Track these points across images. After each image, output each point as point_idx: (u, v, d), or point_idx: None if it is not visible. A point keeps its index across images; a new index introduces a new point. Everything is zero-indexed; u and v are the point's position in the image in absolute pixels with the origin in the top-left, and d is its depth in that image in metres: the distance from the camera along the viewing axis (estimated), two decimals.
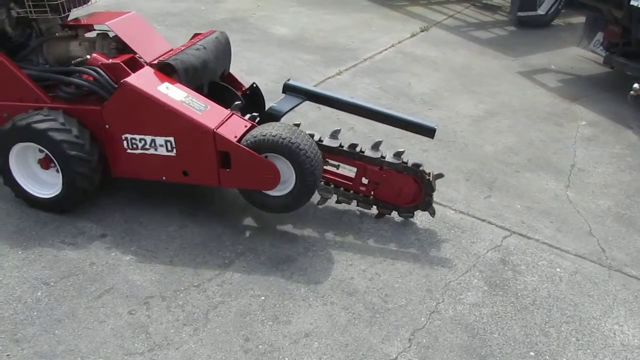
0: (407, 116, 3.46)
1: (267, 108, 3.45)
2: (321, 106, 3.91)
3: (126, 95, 3.00)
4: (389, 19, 7.77)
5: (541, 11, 7.37)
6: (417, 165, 3.32)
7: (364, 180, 3.43)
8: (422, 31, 7.31)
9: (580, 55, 6.89)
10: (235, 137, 3.02)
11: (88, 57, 3.16)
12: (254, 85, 3.67)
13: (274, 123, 3.12)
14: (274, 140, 2.94)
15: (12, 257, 2.95)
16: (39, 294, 2.74)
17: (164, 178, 3.17)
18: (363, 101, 3.58)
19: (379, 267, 3.13)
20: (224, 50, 3.62)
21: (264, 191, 3.10)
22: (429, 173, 3.37)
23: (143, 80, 3.04)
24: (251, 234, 3.24)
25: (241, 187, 3.13)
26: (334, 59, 6.08)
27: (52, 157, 3.07)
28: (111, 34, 3.38)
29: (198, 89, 3.25)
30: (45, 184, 3.23)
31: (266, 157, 2.99)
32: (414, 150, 4.36)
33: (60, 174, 3.09)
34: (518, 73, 6.31)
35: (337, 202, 3.51)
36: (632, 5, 5.22)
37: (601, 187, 4.24)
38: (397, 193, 3.40)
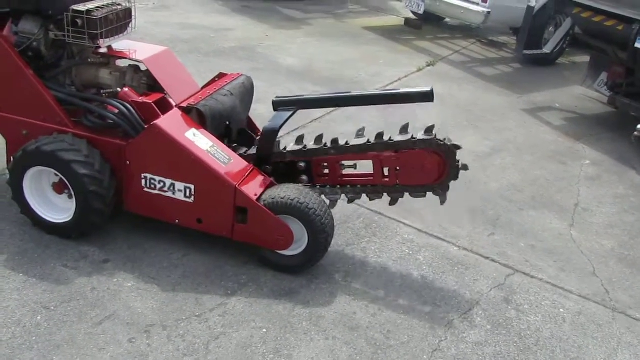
0: (401, 90, 3.41)
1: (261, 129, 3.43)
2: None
3: (154, 137, 3.01)
4: (396, 53, 7.85)
5: (547, 50, 7.47)
6: (429, 133, 3.15)
7: (385, 172, 3.31)
8: (429, 66, 7.39)
9: (584, 95, 6.96)
10: (256, 195, 3.05)
11: (119, 90, 3.17)
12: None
13: (284, 185, 3.15)
14: (283, 202, 3.00)
15: (13, 279, 2.93)
16: (38, 318, 2.72)
17: (177, 221, 3.19)
18: (354, 91, 3.51)
19: (381, 302, 3.11)
20: (248, 96, 3.67)
21: (277, 251, 3.13)
22: (444, 139, 3.18)
23: (172, 124, 3.06)
24: (254, 265, 3.22)
25: (253, 243, 3.15)
26: (340, 91, 6.12)
27: (70, 187, 3.06)
28: (142, 67, 3.37)
29: (221, 136, 3.29)
30: (55, 208, 3.22)
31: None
32: None
33: (74, 203, 3.09)
34: (523, 110, 6.36)
35: (370, 199, 3.41)
36: (637, 48, 5.29)
37: (605, 227, 4.24)
38: (421, 171, 3.23)
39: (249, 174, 3.13)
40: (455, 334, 2.96)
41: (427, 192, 3.32)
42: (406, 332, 2.92)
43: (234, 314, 2.88)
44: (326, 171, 3.41)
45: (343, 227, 3.67)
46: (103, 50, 3.40)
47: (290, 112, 3.32)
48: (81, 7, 3.10)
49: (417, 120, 5.65)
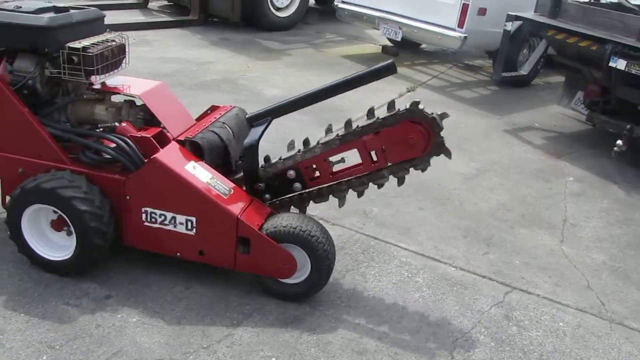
0: (363, 71, 3.41)
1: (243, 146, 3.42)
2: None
3: (155, 171, 3.02)
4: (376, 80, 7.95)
5: (524, 72, 7.66)
6: (413, 105, 3.11)
7: (374, 156, 3.26)
8: (409, 91, 7.52)
9: (561, 113, 7.13)
10: (257, 224, 3.07)
11: (117, 125, 3.18)
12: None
13: (285, 213, 3.19)
14: (285, 230, 3.02)
15: (14, 319, 2.89)
16: (44, 358, 2.68)
17: (179, 254, 3.18)
18: (317, 87, 3.47)
19: (386, 325, 3.13)
20: (244, 127, 3.68)
21: (280, 280, 3.14)
22: (431, 113, 3.14)
23: (172, 157, 3.08)
24: (257, 294, 3.22)
25: (256, 273, 3.17)
26: (326, 120, 6.12)
27: (70, 224, 3.05)
28: (138, 102, 3.39)
29: (218, 167, 3.31)
30: (54, 246, 3.20)
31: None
32: (409, 208, 4.43)
33: (74, 240, 3.08)
34: (504, 131, 6.50)
35: (358, 194, 3.37)
36: (611, 67, 5.46)
37: (594, 241, 4.33)
38: (407, 145, 3.15)
39: (249, 204, 3.16)
40: (461, 353, 2.99)
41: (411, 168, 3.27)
42: (413, 354, 2.94)
43: (241, 344, 2.88)
44: (317, 173, 3.37)
45: (341, 253, 3.70)
46: (97, 86, 3.42)
47: (265, 124, 3.35)
48: (77, 44, 3.12)
49: None
